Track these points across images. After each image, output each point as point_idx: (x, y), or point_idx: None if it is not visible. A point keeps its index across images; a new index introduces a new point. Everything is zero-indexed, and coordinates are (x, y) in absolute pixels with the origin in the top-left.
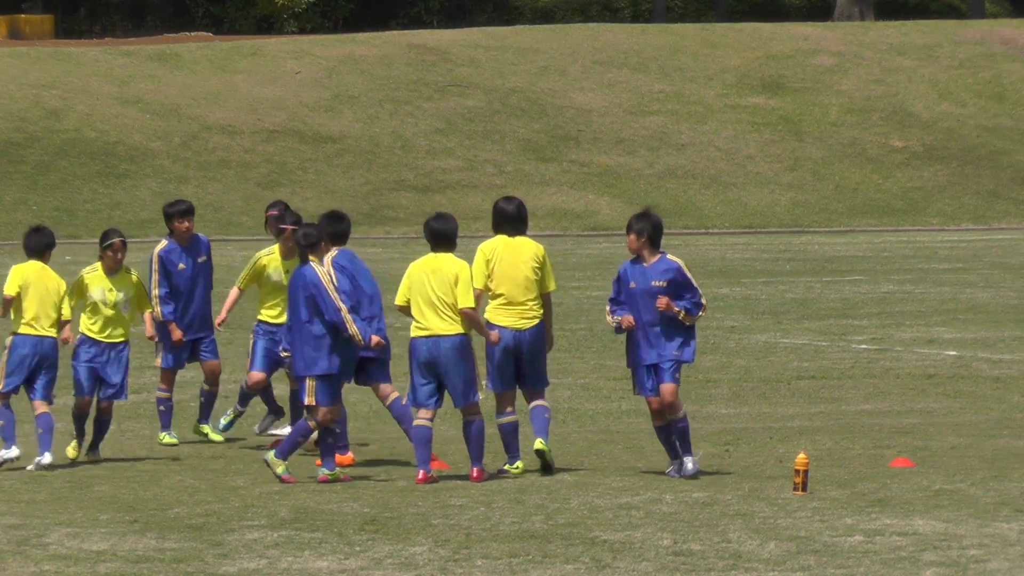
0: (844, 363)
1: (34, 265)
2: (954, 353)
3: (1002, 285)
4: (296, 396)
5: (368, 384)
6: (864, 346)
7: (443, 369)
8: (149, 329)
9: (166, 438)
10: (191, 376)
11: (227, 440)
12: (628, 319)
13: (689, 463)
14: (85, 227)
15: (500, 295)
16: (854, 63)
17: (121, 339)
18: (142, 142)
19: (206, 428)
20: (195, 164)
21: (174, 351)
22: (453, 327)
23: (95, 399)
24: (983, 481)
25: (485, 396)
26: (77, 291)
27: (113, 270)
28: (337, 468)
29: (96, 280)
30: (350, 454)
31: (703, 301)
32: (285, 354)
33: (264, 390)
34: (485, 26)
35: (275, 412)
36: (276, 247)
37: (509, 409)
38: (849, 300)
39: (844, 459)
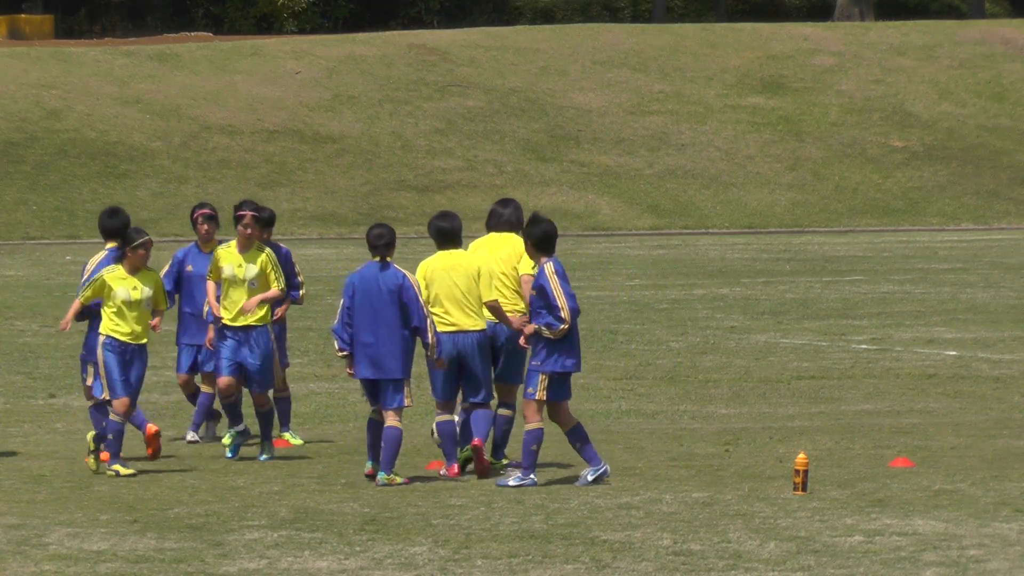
0: (844, 363)
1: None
2: (954, 353)
3: (1002, 285)
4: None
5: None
6: (864, 346)
7: (466, 364)
8: (158, 327)
9: (290, 438)
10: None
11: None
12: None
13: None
14: (85, 227)
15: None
16: (854, 63)
17: (146, 340)
18: (142, 142)
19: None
20: (195, 164)
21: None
22: (478, 323)
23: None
24: (983, 481)
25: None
26: (97, 292)
27: (137, 269)
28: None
29: (118, 280)
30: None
31: (564, 316)
32: (342, 354)
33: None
34: (485, 26)
35: (211, 416)
36: (234, 241)
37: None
38: (849, 300)
39: (844, 459)
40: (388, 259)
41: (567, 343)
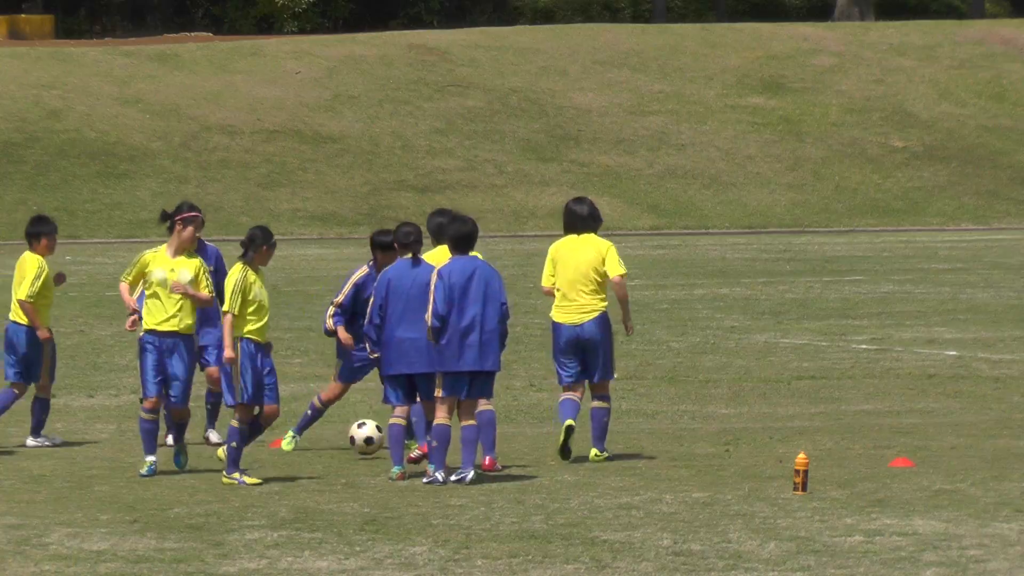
0: (844, 363)
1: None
2: (954, 353)
3: (1002, 285)
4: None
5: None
6: (864, 346)
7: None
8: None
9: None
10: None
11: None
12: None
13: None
14: (85, 227)
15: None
16: (854, 63)
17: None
18: (142, 142)
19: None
20: (195, 164)
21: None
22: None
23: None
24: (983, 481)
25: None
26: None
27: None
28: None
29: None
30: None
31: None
32: (375, 355)
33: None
34: (485, 26)
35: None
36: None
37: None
38: (849, 300)
39: (844, 459)
40: (418, 255)
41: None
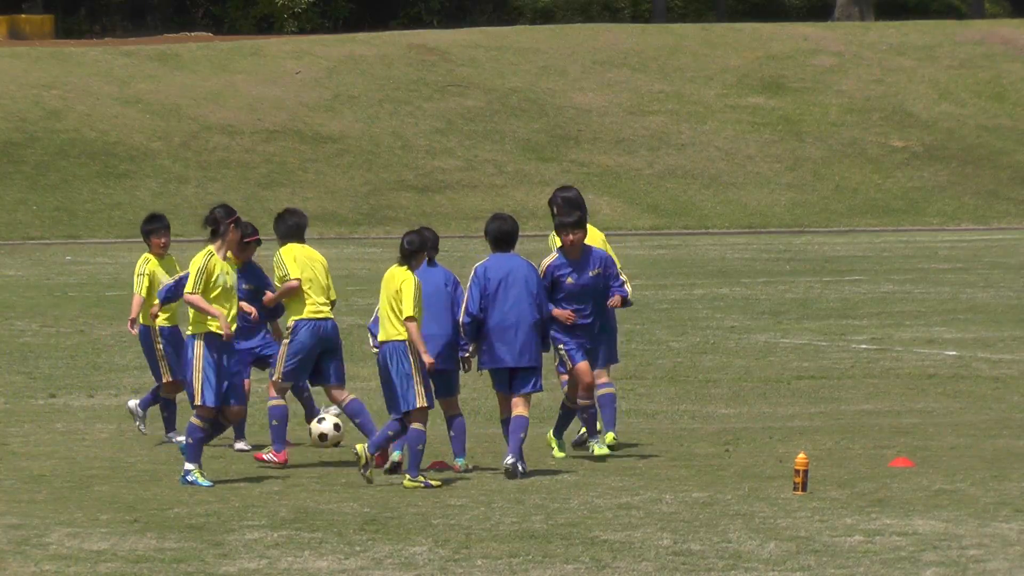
0: (844, 363)
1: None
2: (954, 353)
3: (1002, 285)
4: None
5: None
6: (864, 346)
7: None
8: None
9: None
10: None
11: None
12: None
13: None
14: (85, 227)
15: None
16: (854, 63)
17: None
18: (142, 142)
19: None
20: (195, 164)
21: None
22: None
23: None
24: (983, 481)
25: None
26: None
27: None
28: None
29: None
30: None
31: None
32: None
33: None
34: (485, 26)
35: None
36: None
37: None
38: (849, 300)
39: (844, 459)
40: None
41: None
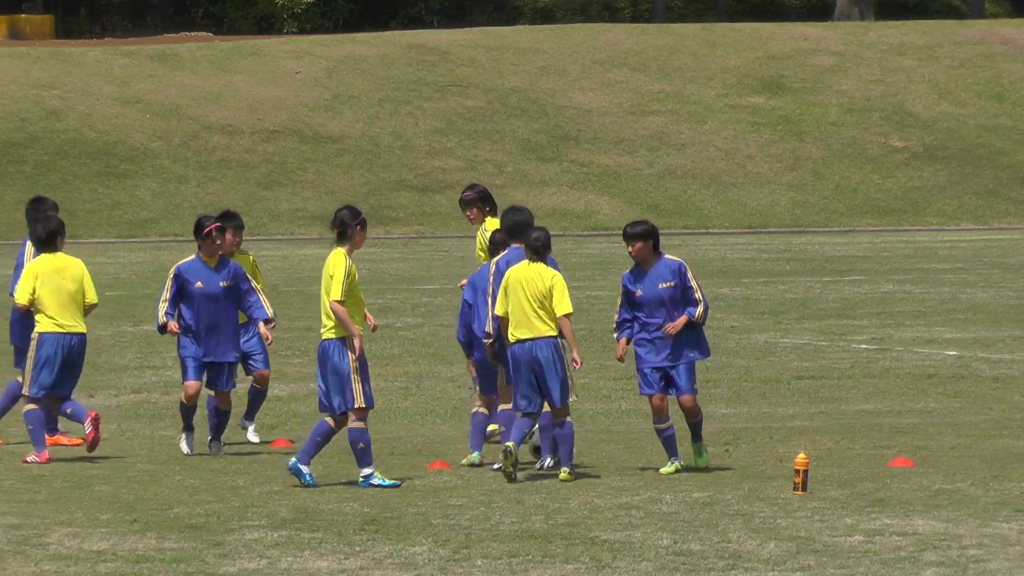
0: (844, 363)
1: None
2: (954, 353)
3: (1002, 285)
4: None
5: None
6: (864, 346)
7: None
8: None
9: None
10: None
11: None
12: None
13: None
14: (85, 227)
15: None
16: (854, 63)
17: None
18: (142, 142)
19: None
20: (195, 164)
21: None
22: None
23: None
24: (983, 481)
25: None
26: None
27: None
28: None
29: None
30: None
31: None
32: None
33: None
34: (485, 26)
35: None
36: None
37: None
38: (849, 300)
39: (844, 459)
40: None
41: None
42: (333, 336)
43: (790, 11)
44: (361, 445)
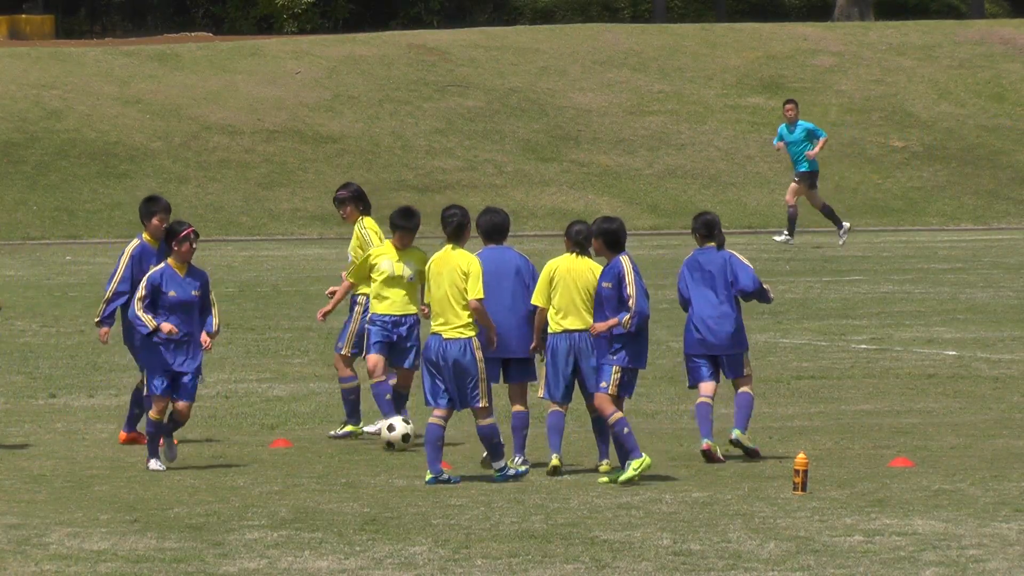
0: (844, 363)
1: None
2: (954, 353)
3: (1002, 285)
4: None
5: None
6: (864, 346)
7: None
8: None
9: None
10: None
11: (226, 441)
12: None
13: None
14: (85, 227)
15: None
16: (854, 63)
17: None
18: (142, 142)
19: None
20: (195, 164)
21: None
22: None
23: None
24: (983, 481)
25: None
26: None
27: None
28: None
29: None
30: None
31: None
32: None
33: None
34: (485, 26)
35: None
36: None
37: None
38: (849, 300)
39: (844, 459)
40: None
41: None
42: (460, 335)
43: (790, 11)
44: (495, 440)
